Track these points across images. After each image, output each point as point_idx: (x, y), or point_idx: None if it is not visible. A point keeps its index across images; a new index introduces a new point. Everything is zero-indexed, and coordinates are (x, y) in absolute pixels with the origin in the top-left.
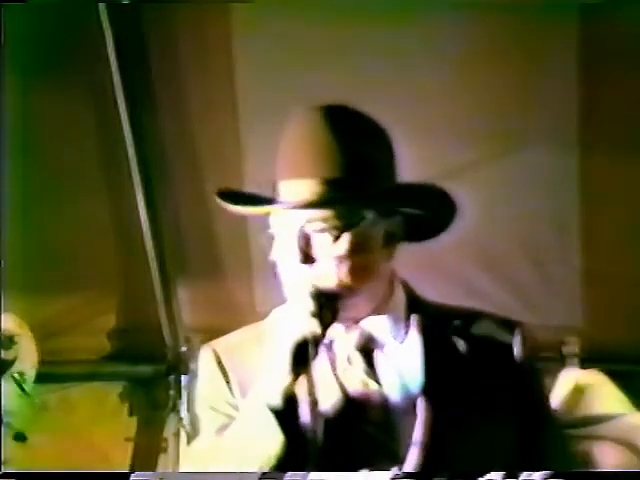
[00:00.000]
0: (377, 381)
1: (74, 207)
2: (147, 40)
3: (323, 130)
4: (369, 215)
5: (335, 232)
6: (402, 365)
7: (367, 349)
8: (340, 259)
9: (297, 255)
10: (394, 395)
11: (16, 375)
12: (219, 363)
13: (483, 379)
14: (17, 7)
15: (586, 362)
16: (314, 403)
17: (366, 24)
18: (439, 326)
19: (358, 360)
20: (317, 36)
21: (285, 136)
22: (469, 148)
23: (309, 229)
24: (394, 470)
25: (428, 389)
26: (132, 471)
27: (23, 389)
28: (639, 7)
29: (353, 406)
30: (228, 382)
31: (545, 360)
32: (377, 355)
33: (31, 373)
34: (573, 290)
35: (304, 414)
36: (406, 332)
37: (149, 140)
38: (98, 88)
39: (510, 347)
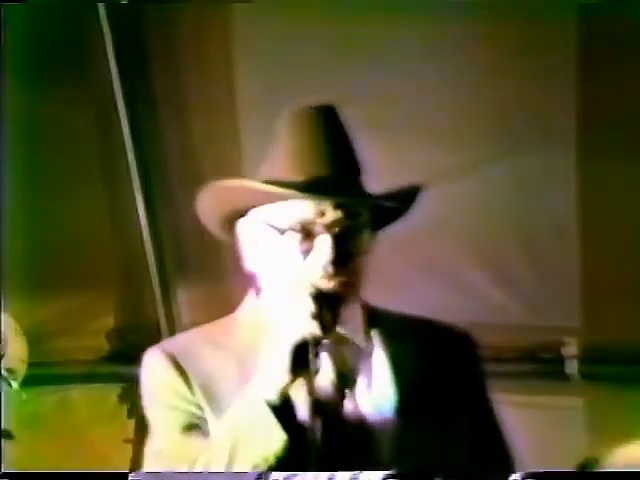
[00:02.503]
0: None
1: (74, 208)
2: (147, 40)
3: (318, 130)
4: (364, 213)
5: (337, 231)
6: (372, 376)
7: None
8: (342, 260)
9: (300, 254)
10: (366, 406)
11: (4, 372)
12: (175, 363)
13: (440, 388)
14: (17, 7)
15: (585, 363)
16: (313, 404)
17: (366, 24)
18: (398, 337)
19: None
20: (317, 36)
21: (278, 138)
22: (468, 150)
23: (315, 227)
24: (385, 471)
25: (398, 400)
26: (130, 471)
27: (11, 385)
28: (639, 7)
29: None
30: (187, 382)
31: (544, 362)
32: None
33: (20, 370)
34: (572, 291)
35: (301, 414)
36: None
37: (149, 141)
38: (98, 88)
39: (461, 357)
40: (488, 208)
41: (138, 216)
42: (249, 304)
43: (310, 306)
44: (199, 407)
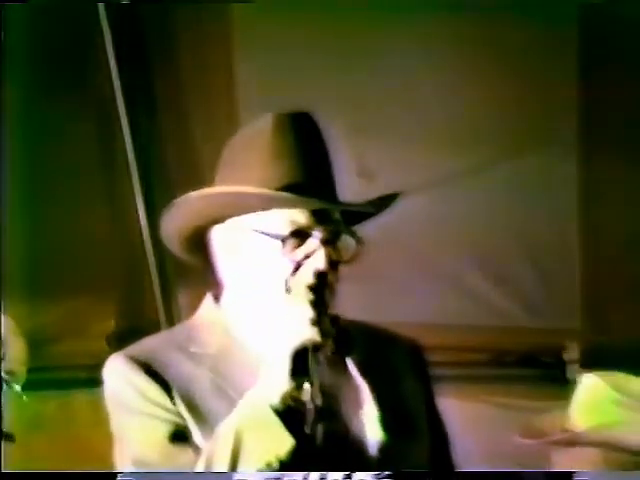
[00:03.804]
0: None
1: (74, 211)
2: (147, 40)
3: (294, 137)
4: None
5: (329, 238)
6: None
7: None
8: (332, 268)
9: (293, 260)
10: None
11: (4, 374)
12: (149, 371)
13: (404, 395)
14: (17, 7)
15: (586, 368)
16: (316, 409)
17: (365, 25)
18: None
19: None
20: (317, 36)
21: (250, 143)
22: (469, 152)
23: (309, 233)
24: (377, 472)
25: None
26: (119, 472)
27: (11, 387)
28: (639, 7)
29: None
30: (167, 391)
31: (545, 366)
32: None
33: (21, 372)
34: (573, 294)
35: (304, 419)
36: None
37: (149, 142)
38: (98, 88)
39: (415, 368)
40: (489, 210)
41: (139, 220)
42: (208, 309)
43: (309, 312)
44: (181, 416)
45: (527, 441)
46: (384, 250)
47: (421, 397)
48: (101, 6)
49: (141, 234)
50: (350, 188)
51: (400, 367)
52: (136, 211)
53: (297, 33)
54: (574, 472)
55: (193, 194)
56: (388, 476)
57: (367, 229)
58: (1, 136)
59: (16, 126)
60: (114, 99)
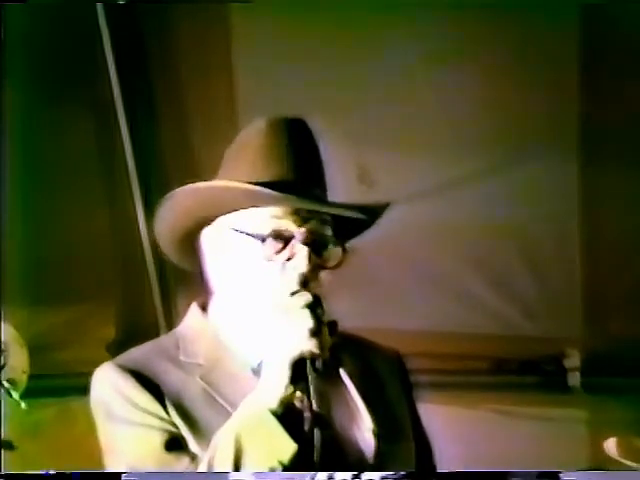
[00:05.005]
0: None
1: (74, 218)
2: (146, 40)
3: (287, 141)
4: (331, 225)
5: (312, 240)
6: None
7: None
8: (315, 271)
9: (277, 262)
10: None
11: (5, 382)
12: (140, 379)
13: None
14: (17, 7)
15: (587, 375)
16: (313, 416)
17: (365, 26)
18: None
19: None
20: (316, 37)
21: (243, 145)
22: (469, 158)
23: (291, 235)
24: (385, 472)
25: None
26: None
27: (11, 395)
28: (639, 8)
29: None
30: (160, 400)
31: (546, 373)
32: None
33: (21, 380)
34: (573, 301)
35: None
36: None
37: (148, 144)
38: (97, 88)
39: (398, 375)
40: (489, 217)
41: (138, 226)
42: (195, 319)
43: (309, 323)
44: (174, 425)
45: (624, 460)
46: (383, 257)
47: (405, 403)
48: (100, 6)
49: (141, 240)
50: (350, 194)
51: (384, 375)
52: (136, 218)
53: (297, 33)
54: (560, 472)
55: (178, 190)
56: (397, 477)
57: (367, 236)
58: (1, 139)
59: (15, 127)
60: (113, 100)
